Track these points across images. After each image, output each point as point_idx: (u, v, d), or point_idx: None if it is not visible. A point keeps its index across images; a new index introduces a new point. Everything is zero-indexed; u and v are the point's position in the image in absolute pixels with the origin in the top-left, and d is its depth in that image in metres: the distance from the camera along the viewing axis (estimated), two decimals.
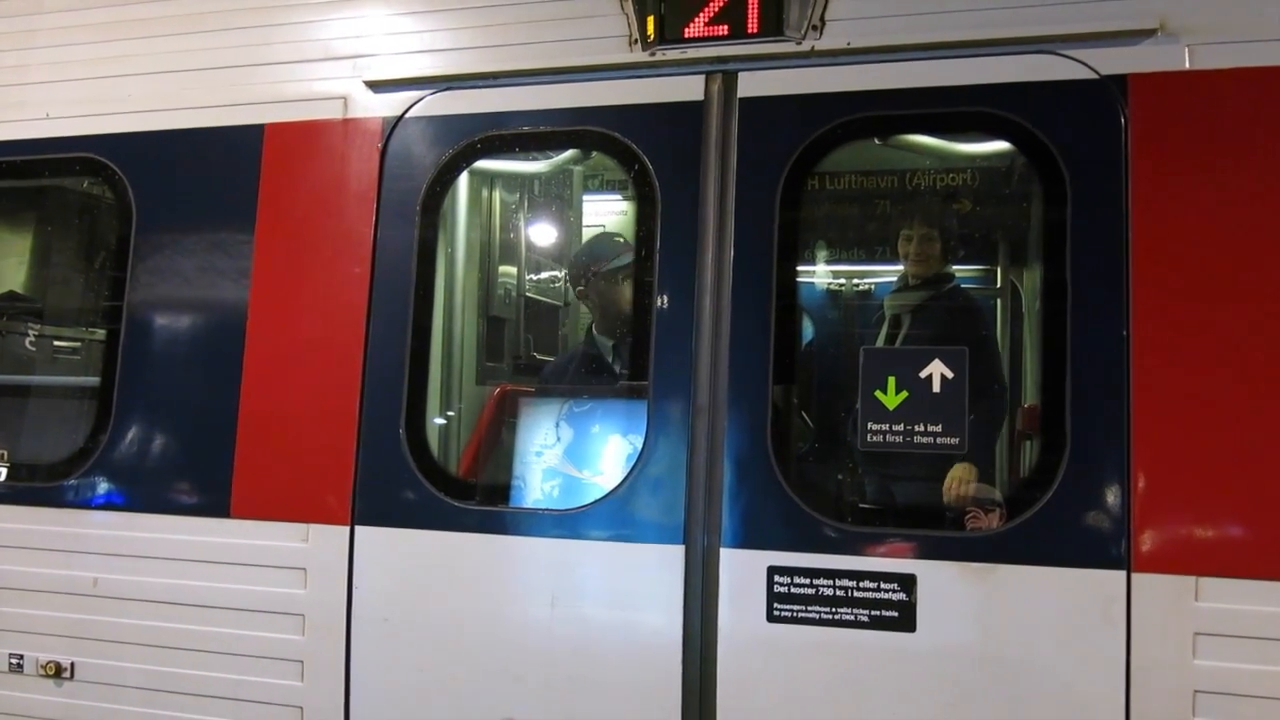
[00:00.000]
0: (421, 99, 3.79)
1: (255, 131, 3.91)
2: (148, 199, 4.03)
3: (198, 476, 3.83)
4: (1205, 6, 3.15)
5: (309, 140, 3.88)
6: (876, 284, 6.68)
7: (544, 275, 5.54)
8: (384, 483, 3.63)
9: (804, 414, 3.99)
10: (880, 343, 4.05)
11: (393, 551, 3.60)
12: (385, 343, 3.69)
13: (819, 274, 6.44)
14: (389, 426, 3.63)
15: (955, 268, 4.35)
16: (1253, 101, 3.07)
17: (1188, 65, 3.14)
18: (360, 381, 3.68)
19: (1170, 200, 3.11)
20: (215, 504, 3.76)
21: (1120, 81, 3.18)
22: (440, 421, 4.11)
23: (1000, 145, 3.78)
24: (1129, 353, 3.07)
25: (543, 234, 5.47)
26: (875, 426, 3.28)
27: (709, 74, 3.55)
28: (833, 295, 7.07)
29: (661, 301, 3.48)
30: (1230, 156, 3.09)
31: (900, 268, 4.32)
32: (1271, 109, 3.06)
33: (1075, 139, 3.21)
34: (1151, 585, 2.98)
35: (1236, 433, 2.98)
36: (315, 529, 3.66)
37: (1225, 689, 2.93)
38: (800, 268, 3.59)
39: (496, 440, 4.19)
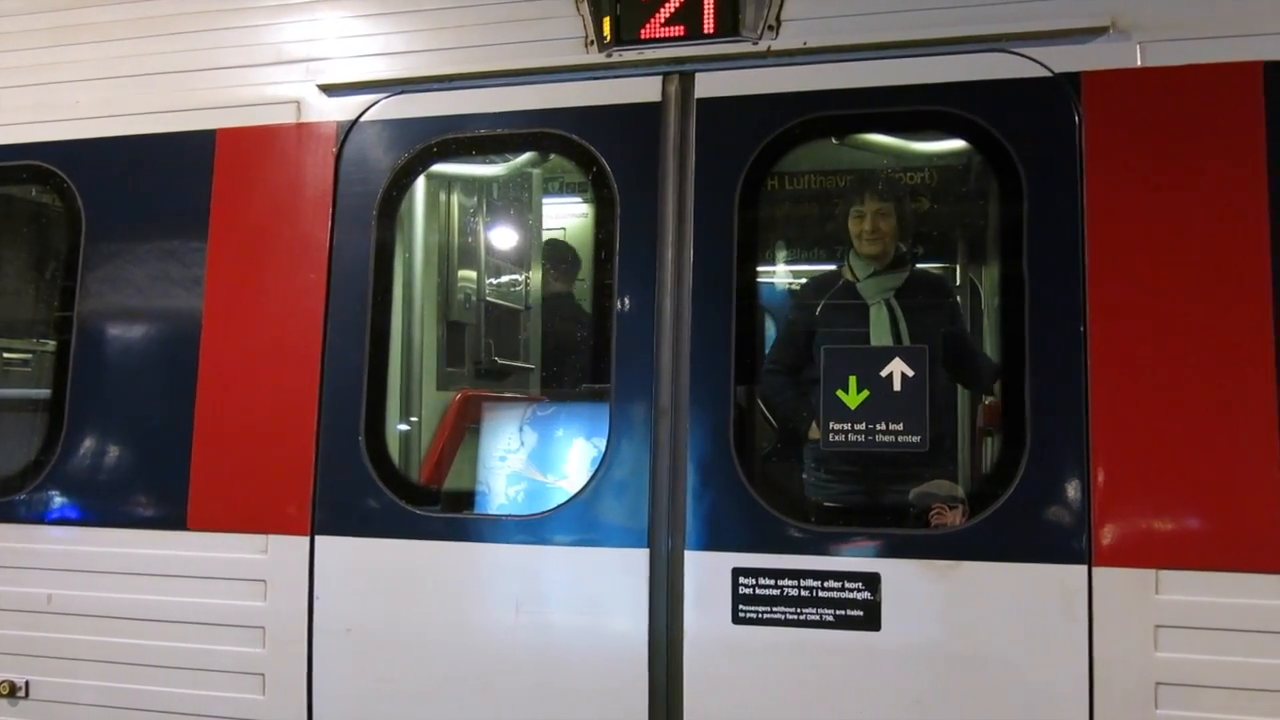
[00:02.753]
0: (376, 103, 3.75)
1: (207, 137, 3.85)
2: (97, 207, 3.95)
3: (153, 489, 3.76)
4: (1156, 4, 3.18)
5: (262, 145, 3.82)
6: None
7: (504, 279, 5.51)
8: (344, 492, 3.58)
9: (765, 414, 3.99)
10: (880, 336, 4.01)
11: (354, 561, 3.56)
12: (343, 349, 3.65)
13: (780, 274, 6.46)
14: (348, 434, 3.59)
15: (919, 265, 4.34)
16: (1206, 98, 3.10)
17: (1140, 62, 3.16)
18: (318, 389, 3.63)
19: (1125, 197, 3.13)
20: (171, 516, 3.70)
21: (1073, 79, 3.20)
22: (401, 428, 4.08)
23: (957, 144, 3.79)
24: (1086, 349, 3.08)
25: (502, 237, 5.45)
26: (837, 426, 3.28)
27: (666, 75, 3.54)
28: (794, 295, 7.08)
29: (622, 304, 3.46)
30: (1184, 153, 3.11)
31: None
32: (1224, 105, 3.08)
33: (1030, 137, 3.22)
34: (1112, 579, 3.00)
35: (1194, 427, 3.01)
36: (275, 540, 3.60)
37: (1186, 680, 2.95)
38: (760, 268, 3.58)
39: (458, 446, 4.16)
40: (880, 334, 3.95)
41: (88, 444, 3.84)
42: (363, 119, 3.75)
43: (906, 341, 3.95)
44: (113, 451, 3.83)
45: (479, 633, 3.44)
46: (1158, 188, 3.12)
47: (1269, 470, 2.93)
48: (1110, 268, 3.11)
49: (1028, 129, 3.23)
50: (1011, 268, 3.23)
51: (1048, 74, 3.23)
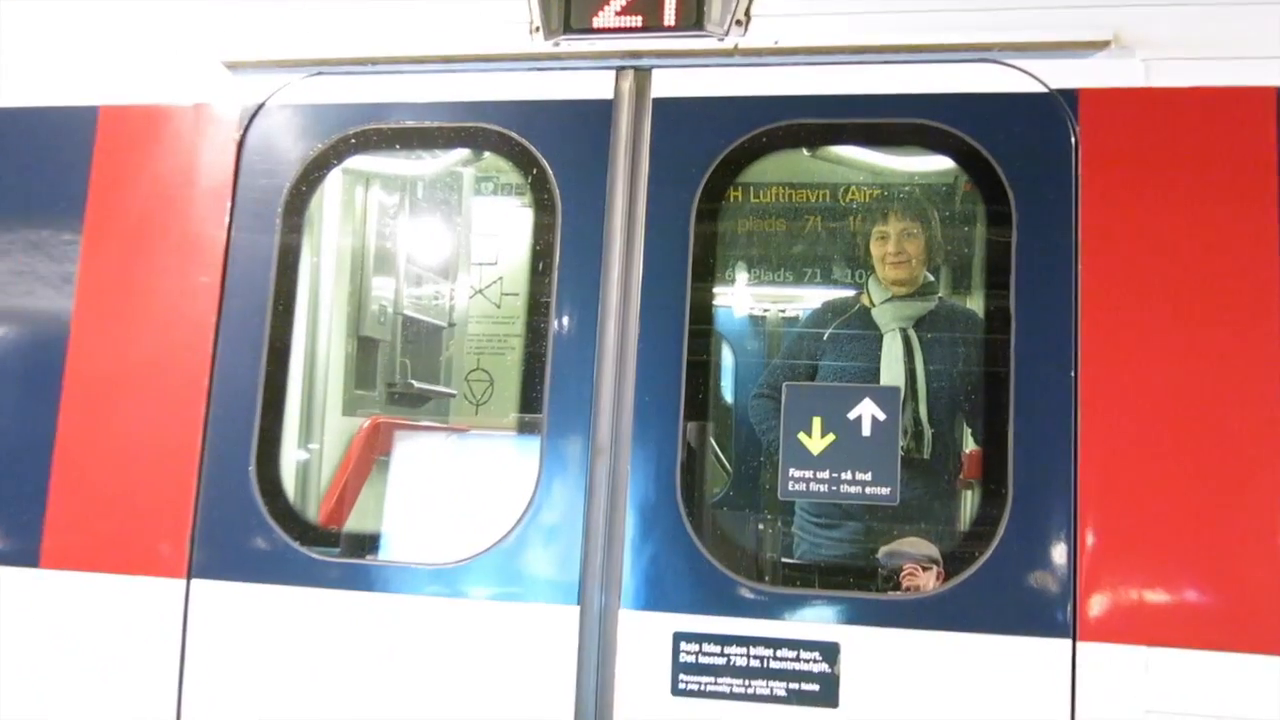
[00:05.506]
0: (287, 85, 3.72)
1: (87, 114, 3.79)
2: None
3: (1, 519, 3.66)
4: (1164, 19, 3.25)
5: (152, 127, 3.76)
6: (804, 310, 6.76)
7: (426, 291, 5.47)
8: (229, 529, 3.52)
9: (719, 456, 3.99)
10: (891, 370, 4.07)
11: (236, 610, 3.48)
12: (236, 365, 3.59)
13: (740, 297, 6.50)
14: (237, 463, 3.53)
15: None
16: (1214, 124, 3.16)
17: (1144, 82, 3.22)
18: (204, 409, 3.57)
19: (1123, 226, 3.17)
20: (22, 552, 3.60)
21: (1070, 96, 3.25)
22: (299, 458, 4.03)
23: (941, 161, 3.83)
24: (1076, 395, 3.11)
25: (426, 244, 5.41)
26: (797, 473, 3.27)
27: (619, 70, 3.54)
28: (755, 321, 7.14)
29: (559, 324, 3.44)
30: (1189, 183, 3.16)
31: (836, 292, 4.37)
32: (1234, 133, 3.14)
33: (1021, 156, 3.26)
34: (1099, 656, 3.00)
35: (1196, 487, 3.03)
36: (144, 582, 3.52)
37: None
38: (718, 289, 3.58)
39: (364, 481, 4.10)
40: (891, 367, 4.05)
41: None
42: (270, 102, 3.72)
43: (921, 378, 4.03)
44: None
45: (381, 697, 3.37)
46: (1160, 219, 3.16)
47: None
48: (1105, 305, 3.14)
49: (1018, 148, 3.27)
50: (996, 301, 3.26)
51: (1042, 89, 3.27)
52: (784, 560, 4.13)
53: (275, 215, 3.66)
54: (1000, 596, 3.10)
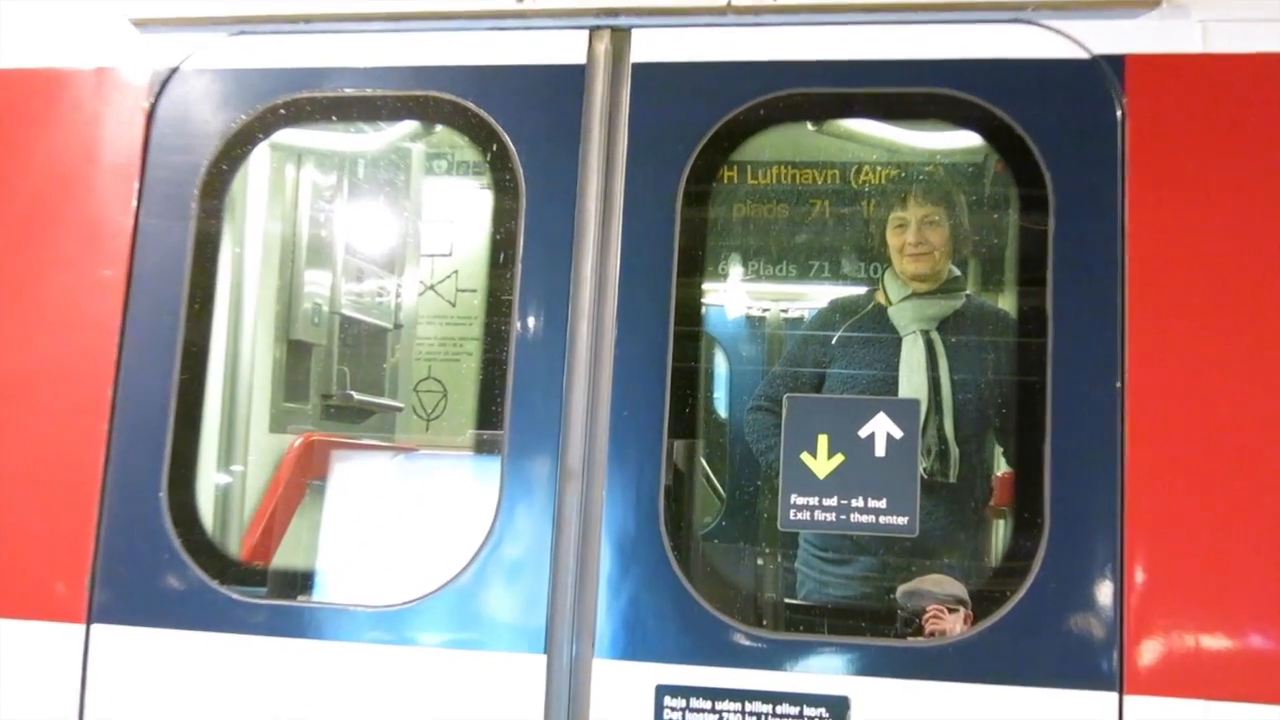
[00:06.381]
0: (205, 45, 3.72)
1: None
2: None
3: None
4: None
5: (45, 93, 3.77)
6: (809, 310, 6.80)
7: (368, 287, 5.47)
8: (136, 567, 3.51)
9: (711, 480, 4.00)
10: (911, 380, 4.09)
11: (144, 659, 3.47)
12: (144, 373, 3.59)
13: (734, 294, 6.51)
14: (145, 490, 3.53)
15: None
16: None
17: (1201, 46, 3.25)
18: (107, 426, 3.57)
19: (1177, 213, 3.20)
20: None
21: (1116, 63, 3.28)
22: (219, 482, 4.04)
23: (968, 137, 3.86)
24: (1123, 409, 3.13)
25: (368, 232, 5.42)
26: (800, 500, 3.28)
27: (594, 30, 3.56)
28: (752, 322, 7.15)
29: (523, 326, 3.45)
30: (1253, 162, 3.19)
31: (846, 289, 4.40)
32: None
33: (1059, 132, 3.29)
34: (1149, 711, 3.02)
35: (1262, 517, 3.06)
36: (35, 628, 3.51)
37: None
38: (708, 285, 3.60)
39: (295, 509, 4.10)
40: (911, 376, 4.07)
41: None
42: (186, 66, 3.73)
43: (946, 389, 4.05)
44: None
45: None
46: (1219, 205, 3.19)
47: None
48: (1157, 305, 3.17)
49: (1056, 123, 3.29)
50: (1030, 299, 3.29)
51: (1084, 55, 3.30)
52: (786, 601, 4.14)
53: (191, 198, 3.66)
54: (1036, 643, 3.11)
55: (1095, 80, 3.28)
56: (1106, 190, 3.22)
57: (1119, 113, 3.25)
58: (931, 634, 3.30)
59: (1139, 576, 3.07)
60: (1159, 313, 3.17)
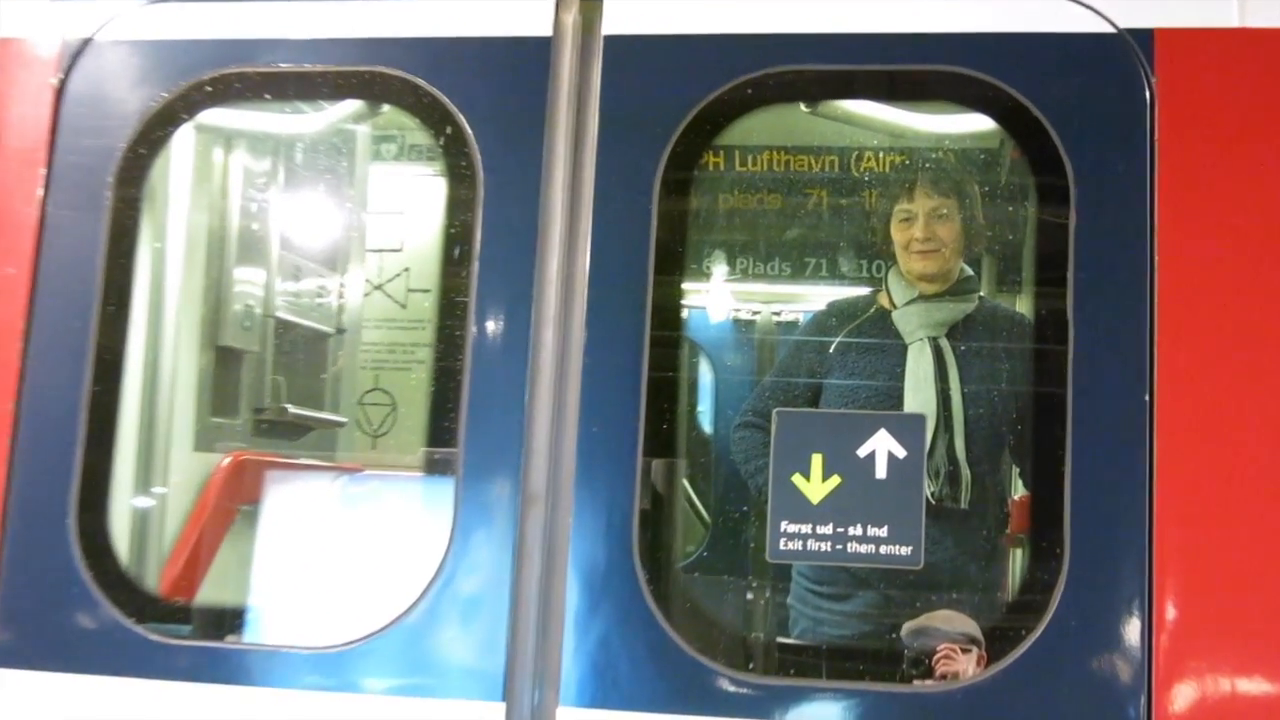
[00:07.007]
0: (122, 14, 3.73)
1: None
2: None
3: None
4: None
5: None
6: (804, 313, 6.81)
7: (307, 286, 5.46)
8: (39, 602, 3.51)
9: (695, 504, 4.00)
10: (918, 392, 4.10)
11: (50, 708, 3.46)
12: (51, 384, 3.59)
13: (719, 295, 6.52)
14: (51, 516, 3.52)
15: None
16: None
17: (1238, 20, 3.27)
18: (8, 443, 3.56)
19: (1211, 205, 3.22)
20: None
21: (1144, 38, 3.29)
22: (136, 507, 4.04)
23: (981, 121, 3.87)
24: (1152, 424, 3.14)
25: (307, 225, 5.41)
26: (792, 528, 3.28)
27: None
28: (740, 327, 7.17)
29: (481, 330, 3.45)
30: None
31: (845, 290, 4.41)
32: None
33: (1081, 115, 3.30)
34: None
35: None
36: None
37: None
38: (690, 285, 3.60)
39: (223, 537, 4.09)
40: (918, 388, 4.07)
41: None
42: (100, 37, 3.73)
43: (957, 402, 4.06)
44: None
45: None
46: (1259, 196, 3.20)
47: None
48: (1190, 308, 3.18)
49: (1078, 104, 3.30)
50: (1049, 302, 3.30)
51: (1109, 29, 3.31)
52: (777, 641, 4.15)
53: (105, 186, 3.66)
54: (1055, 686, 3.12)
55: (1121, 57, 3.29)
56: (1134, 179, 3.23)
57: (1148, 93, 3.26)
58: (943, 676, 3.30)
59: (1169, 613, 3.07)
60: (1193, 316, 3.18)
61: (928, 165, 4.74)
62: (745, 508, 3.80)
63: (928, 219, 4.26)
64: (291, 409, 5.17)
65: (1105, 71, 3.30)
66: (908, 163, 5.31)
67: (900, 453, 3.27)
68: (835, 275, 6.63)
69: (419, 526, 3.79)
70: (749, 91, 3.49)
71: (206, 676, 3.44)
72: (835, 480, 3.28)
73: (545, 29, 3.55)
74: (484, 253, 3.48)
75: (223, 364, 4.75)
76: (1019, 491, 4.34)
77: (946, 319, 4.28)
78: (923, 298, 4.31)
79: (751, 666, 3.32)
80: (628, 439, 3.35)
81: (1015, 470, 4.33)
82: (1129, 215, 3.23)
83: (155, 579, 4.06)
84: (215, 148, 4.67)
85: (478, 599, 3.34)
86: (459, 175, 3.57)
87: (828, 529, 3.26)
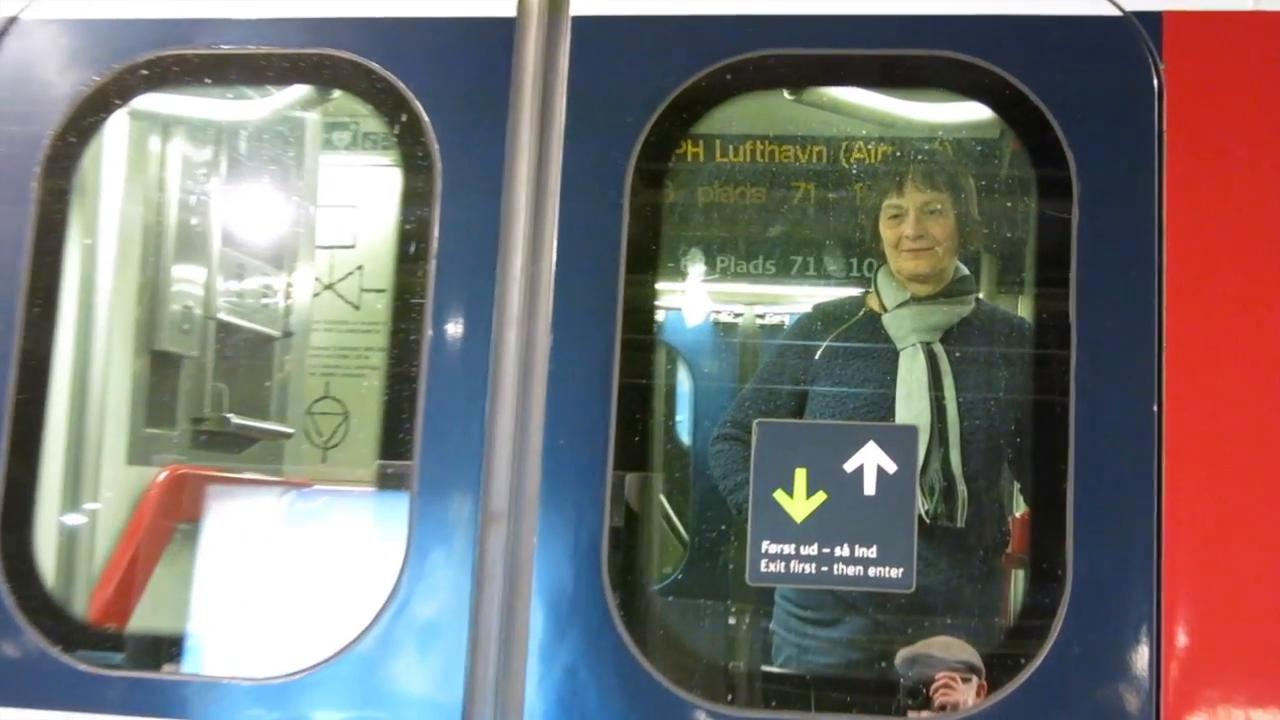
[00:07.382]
0: None
1: None
2: None
3: None
4: None
5: None
6: (788, 316, 6.82)
7: (251, 286, 5.45)
8: None
9: (670, 521, 4.00)
10: (911, 402, 4.10)
11: None
12: None
13: (696, 296, 6.52)
14: None
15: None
16: None
17: (1252, 3, 3.29)
18: None
19: (1223, 199, 3.23)
20: None
21: (1152, 21, 3.30)
22: (64, 525, 4.04)
23: (977, 109, 3.88)
24: (1160, 436, 3.14)
25: (252, 220, 5.40)
26: (774, 548, 3.28)
27: None
28: (719, 331, 7.17)
29: (438, 334, 3.44)
30: None
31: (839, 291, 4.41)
32: None
33: (1085, 103, 3.31)
34: None
35: None
36: None
37: None
38: (665, 285, 3.60)
39: (158, 558, 4.07)
40: (911, 397, 4.06)
41: None
42: (26, 16, 3.73)
43: (952, 412, 4.06)
44: None
45: None
46: (1272, 185, 3.22)
47: None
48: (1201, 311, 3.19)
49: (1081, 92, 3.31)
50: (1051, 304, 3.31)
51: (1115, 12, 3.32)
52: (760, 670, 4.15)
53: (31, 177, 3.66)
54: (1058, 716, 3.12)
55: (1127, 41, 3.30)
56: (1141, 171, 3.24)
57: (1155, 80, 3.27)
58: (943, 707, 3.29)
59: (1179, 639, 3.08)
60: (1204, 320, 3.19)
61: (920, 157, 4.74)
62: (725, 526, 3.79)
63: (919, 215, 4.26)
64: (234, 419, 5.17)
65: (1110, 57, 3.31)
66: (898, 154, 5.31)
67: (891, 467, 3.27)
68: (822, 275, 6.65)
69: (372, 546, 3.76)
70: (729, 77, 3.49)
71: (141, 709, 3.43)
72: (820, 497, 3.27)
73: (509, 8, 3.55)
74: (442, 250, 3.48)
75: (159, 370, 4.75)
76: (1019, 509, 4.34)
77: (940, 323, 4.28)
78: (915, 300, 4.31)
79: (731, 698, 3.31)
80: (597, 452, 3.34)
81: (1014, 486, 4.34)
82: (1135, 210, 3.23)
83: (84, 604, 4.06)
84: (152, 136, 4.68)
85: (435, 625, 3.33)
86: (415, 166, 3.56)
87: (813, 549, 3.26)
